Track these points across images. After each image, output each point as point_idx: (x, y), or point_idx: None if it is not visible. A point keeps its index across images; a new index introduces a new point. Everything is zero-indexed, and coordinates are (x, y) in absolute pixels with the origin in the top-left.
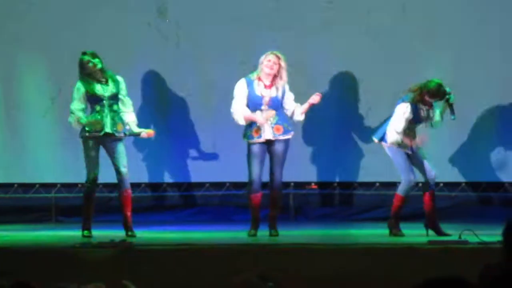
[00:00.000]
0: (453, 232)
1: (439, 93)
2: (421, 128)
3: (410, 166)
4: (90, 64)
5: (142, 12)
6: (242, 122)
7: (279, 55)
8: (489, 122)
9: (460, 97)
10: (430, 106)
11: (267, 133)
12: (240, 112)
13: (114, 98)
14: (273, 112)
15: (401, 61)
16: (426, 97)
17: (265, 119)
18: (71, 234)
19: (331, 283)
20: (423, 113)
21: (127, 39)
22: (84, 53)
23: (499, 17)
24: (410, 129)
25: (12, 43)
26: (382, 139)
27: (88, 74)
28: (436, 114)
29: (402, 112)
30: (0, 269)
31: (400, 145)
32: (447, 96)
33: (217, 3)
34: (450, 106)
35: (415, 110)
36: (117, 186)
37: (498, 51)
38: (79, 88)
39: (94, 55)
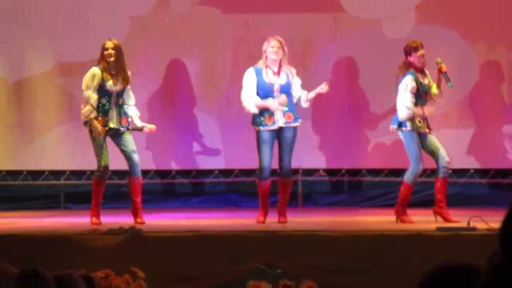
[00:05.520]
0: (462, 219)
1: (411, 44)
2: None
3: (421, 155)
4: (106, 52)
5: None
6: (254, 110)
7: (281, 39)
8: (498, 108)
9: (467, 84)
10: (424, 73)
11: (279, 121)
12: (251, 100)
13: (122, 93)
14: (285, 96)
15: None
16: (409, 59)
17: (279, 105)
18: (79, 221)
19: (339, 270)
20: (424, 81)
21: (135, 26)
22: (108, 39)
23: (502, 14)
24: (419, 105)
25: (20, 31)
26: (399, 126)
27: (103, 62)
28: (434, 87)
29: (405, 86)
30: (9, 256)
31: (414, 123)
32: (438, 65)
33: None
34: (444, 74)
35: (415, 79)
36: (128, 173)
37: (503, 44)
38: (96, 75)
39: (115, 46)
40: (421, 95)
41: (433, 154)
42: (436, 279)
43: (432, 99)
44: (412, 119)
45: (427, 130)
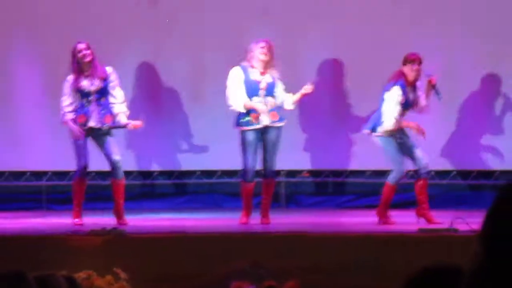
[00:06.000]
0: (444, 220)
1: (409, 56)
2: (410, 116)
3: (401, 156)
4: (80, 55)
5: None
6: (242, 109)
7: (270, 41)
8: (480, 110)
9: (450, 85)
10: (413, 86)
11: (265, 119)
12: (239, 99)
13: (102, 92)
14: (273, 100)
15: (392, 48)
16: (404, 69)
17: (266, 107)
18: (62, 221)
19: (322, 270)
20: (411, 95)
21: (117, 27)
22: (78, 43)
23: (485, 5)
24: (400, 116)
25: (4, 33)
26: (373, 130)
27: (77, 65)
28: (422, 98)
29: (395, 95)
30: None
31: (393, 133)
32: (428, 78)
33: None
34: (434, 87)
35: (404, 91)
36: (110, 174)
37: (485, 39)
38: (68, 81)
39: (86, 47)
40: (406, 106)
41: (411, 156)
42: (420, 280)
43: (419, 110)
44: (395, 129)
45: (400, 140)
